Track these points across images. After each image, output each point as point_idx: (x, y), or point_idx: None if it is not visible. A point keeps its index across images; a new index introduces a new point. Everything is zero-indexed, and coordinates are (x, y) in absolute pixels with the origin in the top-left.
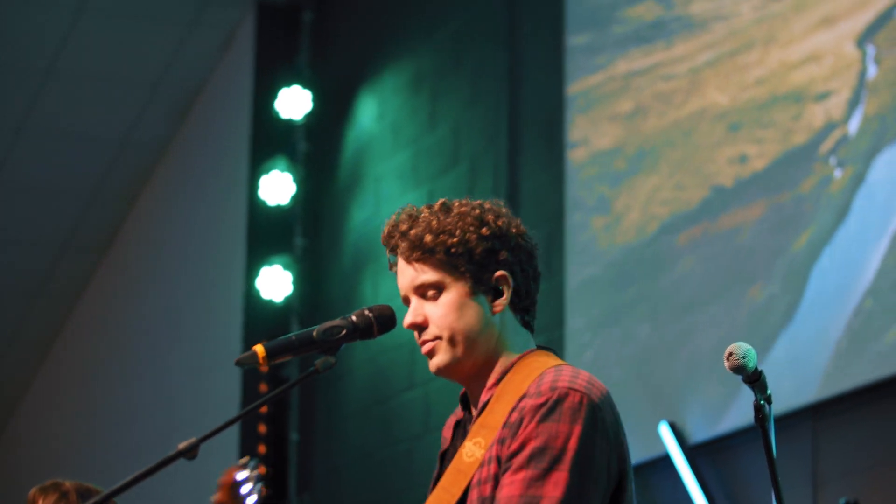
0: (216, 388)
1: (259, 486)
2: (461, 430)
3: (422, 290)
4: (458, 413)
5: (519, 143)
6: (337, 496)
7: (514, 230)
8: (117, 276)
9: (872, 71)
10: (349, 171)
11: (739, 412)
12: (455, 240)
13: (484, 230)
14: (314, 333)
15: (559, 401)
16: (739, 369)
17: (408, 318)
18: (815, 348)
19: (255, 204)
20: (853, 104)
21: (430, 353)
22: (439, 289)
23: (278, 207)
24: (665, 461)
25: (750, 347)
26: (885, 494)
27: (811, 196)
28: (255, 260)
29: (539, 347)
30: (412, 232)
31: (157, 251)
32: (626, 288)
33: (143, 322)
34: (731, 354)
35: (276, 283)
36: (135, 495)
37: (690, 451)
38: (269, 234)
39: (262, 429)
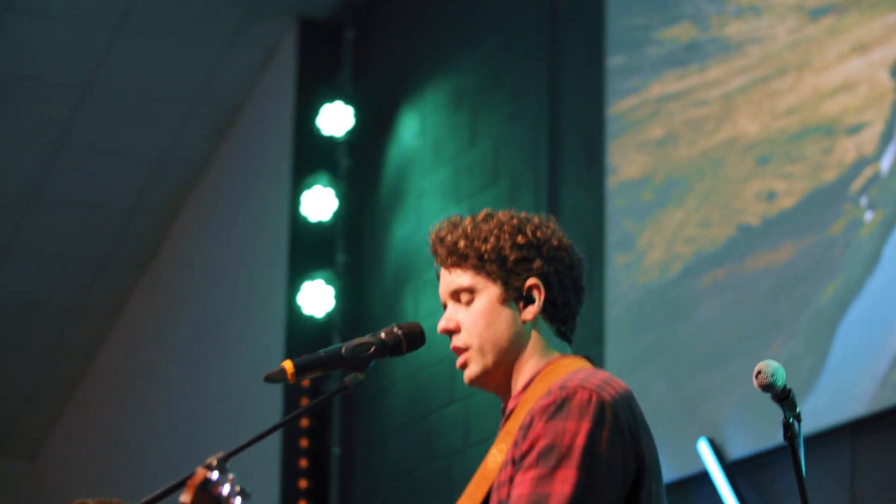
0: (257, 403)
1: (238, 486)
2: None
3: (456, 296)
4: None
5: (559, 161)
6: None
7: (554, 242)
8: (157, 291)
9: None
10: (391, 188)
11: (779, 429)
12: (488, 246)
13: (519, 238)
14: (343, 350)
15: (566, 399)
16: (768, 387)
17: (441, 324)
18: (853, 374)
19: (297, 220)
20: (886, 138)
21: (464, 365)
22: (472, 294)
23: (320, 223)
24: (704, 478)
25: (779, 365)
26: None
27: (840, 238)
28: (296, 275)
29: (568, 353)
30: (449, 238)
31: (198, 267)
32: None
33: (184, 337)
34: (759, 373)
35: (317, 298)
36: None
37: (729, 468)
38: (310, 249)
39: (304, 443)
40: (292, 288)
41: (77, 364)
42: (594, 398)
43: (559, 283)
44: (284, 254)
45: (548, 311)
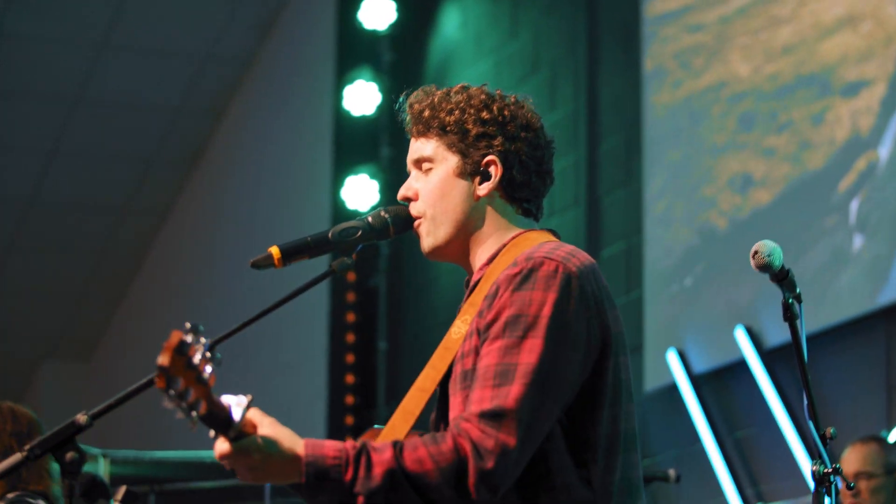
0: (303, 299)
1: (214, 356)
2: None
3: (419, 164)
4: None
5: (598, 50)
6: None
7: (520, 121)
8: (205, 188)
9: None
10: (433, 80)
11: (818, 315)
12: (452, 118)
13: (484, 113)
14: (329, 234)
15: (533, 269)
16: (765, 267)
17: (401, 191)
18: (888, 250)
19: (340, 114)
20: (888, 108)
21: (418, 236)
22: (431, 164)
23: (363, 117)
24: (742, 366)
25: (776, 245)
26: None
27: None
28: (340, 170)
29: (534, 228)
30: (416, 107)
31: (244, 164)
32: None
33: (231, 234)
34: (756, 253)
35: (362, 192)
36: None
37: (766, 356)
38: (354, 144)
39: (351, 338)
40: (336, 182)
41: (128, 264)
42: (560, 269)
43: (520, 162)
44: (328, 148)
45: (506, 189)
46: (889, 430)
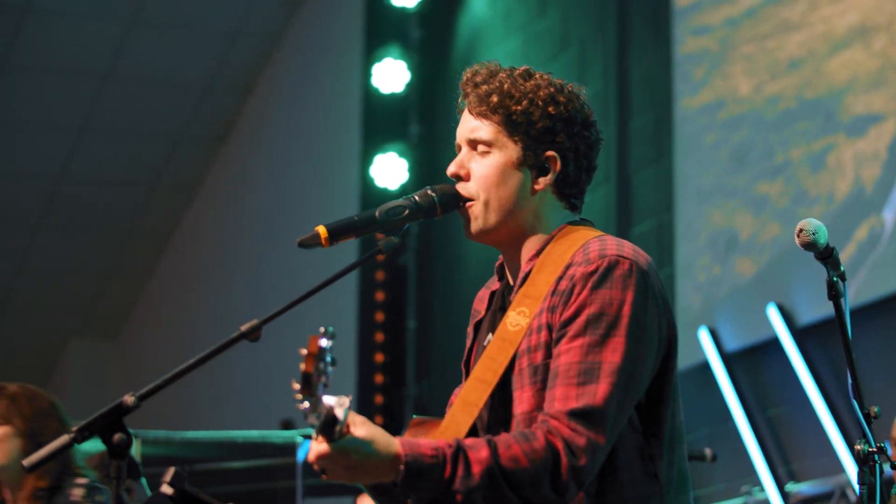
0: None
1: (333, 357)
2: (497, 301)
3: (473, 144)
4: (491, 285)
5: (628, 28)
6: (453, 383)
7: (581, 119)
8: (233, 167)
9: None
10: (462, 58)
11: (855, 292)
12: (520, 108)
13: (551, 108)
14: (377, 213)
15: (610, 268)
16: (810, 246)
17: (452, 167)
18: None
19: (369, 92)
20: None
21: (467, 217)
22: (489, 148)
23: (392, 95)
24: (774, 344)
25: (821, 224)
26: None
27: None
28: (369, 148)
29: (577, 221)
30: (483, 87)
31: (272, 141)
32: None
33: (259, 212)
34: (801, 231)
35: (391, 170)
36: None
37: (799, 334)
38: (383, 121)
39: (380, 317)
40: (365, 160)
41: (156, 241)
42: (635, 268)
43: (576, 160)
44: (357, 126)
45: (559, 185)
46: None
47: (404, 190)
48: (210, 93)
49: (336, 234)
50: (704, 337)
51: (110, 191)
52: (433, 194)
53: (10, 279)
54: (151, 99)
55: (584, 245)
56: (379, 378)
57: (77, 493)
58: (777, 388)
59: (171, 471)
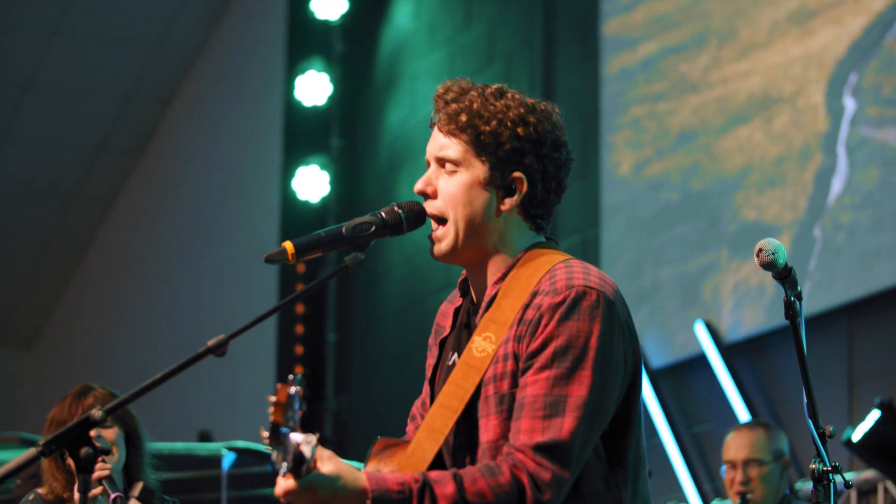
0: (253, 288)
1: (303, 402)
2: (463, 319)
3: (442, 162)
4: (454, 301)
5: (554, 43)
6: (373, 396)
7: (551, 140)
8: (153, 177)
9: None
10: (385, 71)
11: (774, 311)
12: (488, 128)
13: (520, 129)
14: (343, 230)
15: (577, 299)
16: (770, 266)
17: (419, 185)
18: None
19: (291, 105)
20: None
21: (433, 240)
22: (457, 167)
23: (315, 108)
24: (700, 360)
25: (780, 244)
26: None
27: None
28: (291, 160)
29: (543, 243)
30: (453, 105)
31: (193, 152)
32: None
33: (179, 223)
34: (760, 251)
35: (312, 183)
36: (177, 399)
37: (726, 350)
38: (305, 134)
39: (300, 329)
40: (287, 173)
41: (73, 252)
42: (602, 299)
43: (543, 181)
44: (279, 139)
45: (524, 206)
46: (851, 424)
47: (325, 203)
48: (131, 103)
49: (302, 250)
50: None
51: (29, 200)
52: (399, 211)
53: None
54: (71, 109)
55: (550, 271)
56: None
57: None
58: (703, 405)
59: (139, 485)
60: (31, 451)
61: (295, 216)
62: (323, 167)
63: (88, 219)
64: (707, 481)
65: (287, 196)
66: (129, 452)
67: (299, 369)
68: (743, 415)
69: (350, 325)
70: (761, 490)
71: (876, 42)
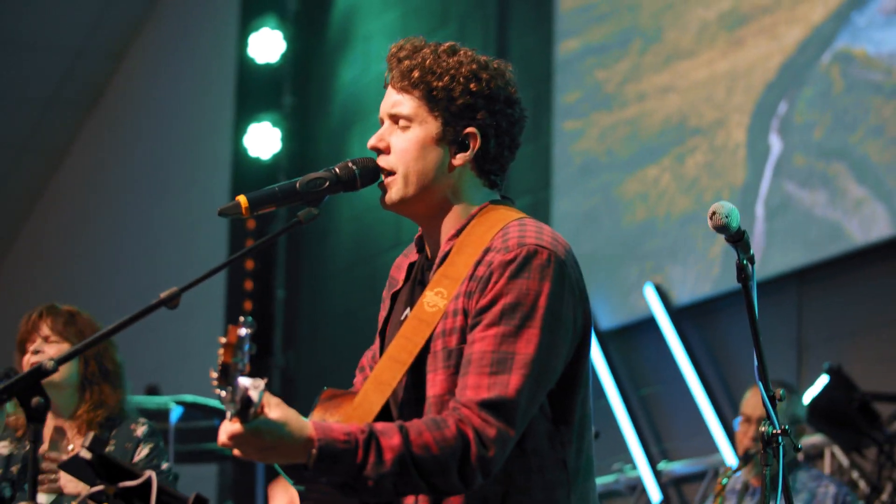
0: (202, 244)
1: (252, 345)
2: (417, 274)
3: (395, 119)
4: (409, 255)
5: (508, 5)
6: (321, 353)
7: (503, 96)
8: (104, 131)
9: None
10: (339, 30)
11: (724, 276)
12: (441, 84)
13: (472, 85)
14: (297, 185)
15: (528, 257)
16: (722, 228)
17: (372, 140)
18: (800, 215)
19: (244, 61)
20: None
21: (384, 188)
22: (410, 122)
23: (267, 65)
24: (650, 323)
25: (733, 207)
26: (866, 360)
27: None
28: (243, 117)
29: (498, 200)
30: (406, 63)
31: (145, 107)
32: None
33: (130, 177)
34: (714, 213)
35: (264, 140)
36: (125, 354)
37: (675, 314)
38: (257, 91)
39: (249, 285)
40: (239, 130)
41: (25, 204)
42: (553, 258)
43: (497, 137)
44: (231, 95)
45: (478, 161)
46: (799, 387)
47: (276, 160)
48: (82, 58)
49: (256, 204)
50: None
51: None
52: (353, 167)
53: None
54: (23, 61)
55: (503, 228)
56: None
57: (140, 430)
58: (651, 368)
59: (90, 435)
60: None
61: (246, 172)
62: (275, 124)
63: (40, 171)
64: (654, 444)
65: (238, 152)
66: (85, 368)
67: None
68: (691, 378)
69: (299, 281)
70: None
71: (811, 62)
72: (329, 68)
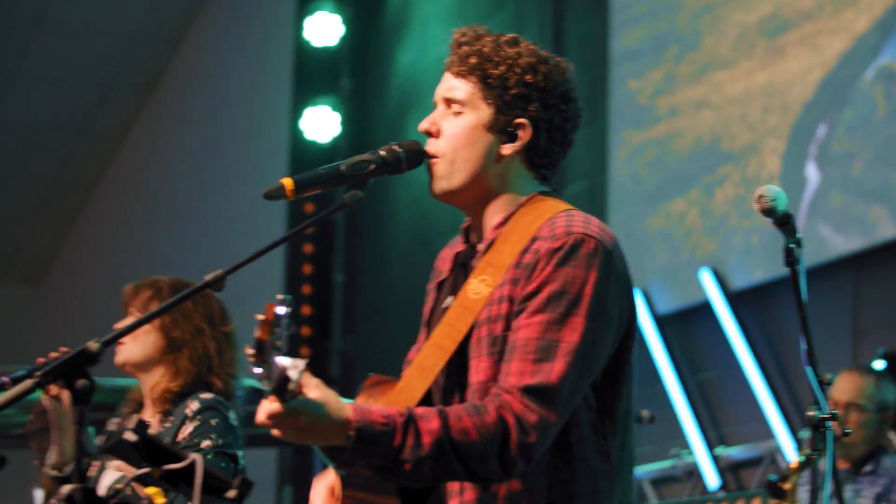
0: (261, 228)
1: (290, 323)
2: (460, 265)
3: (448, 103)
4: (455, 245)
5: None
6: (379, 337)
7: (559, 92)
8: (162, 116)
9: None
10: (396, 13)
11: (781, 259)
12: (497, 71)
13: (528, 76)
14: (342, 167)
15: (575, 246)
16: (769, 212)
17: (424, 123)
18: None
19: (300, 45)
20: None
21: (432, 175)
22: (462, 108)
23: (325, 49)
24: (706, 308)
25: (780, 190)
26: None
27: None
28: (300, 101)
29: (547, 192)
30: (465, 48)
31: (202, 92)
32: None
33: (188, 162)
34: (761, 196)
35: (321, 123)
36: None
37: (732, 298)
38: (315, 75)
39: (307, 269)
40: (296, 113)
41: (82, 188)
42: (600, 247)
43: (548, 131)
44: (288, 79)
45: (527, 154)
46: None
47: (335, 143)
48: (141, 41)
49: (301, 186)
50: (637, 300)
51: (38, 136)
52: (399, 150)
53: None
54: (82, 46)
55: (551, 218)
56: (305, 331)
57: (192, 406)
58: (709, 353)
59: (135, 419)
60: (27, 383)
61: (304, 156)
62: (334, 108)
63: (97, 155)
64: (711, 428)
65: (296, 136)
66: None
67: (307, 309)
68: (748, 363)
69: (358, 265)
70: (856, 435)
71: (853, 78)
72: (386, 52)
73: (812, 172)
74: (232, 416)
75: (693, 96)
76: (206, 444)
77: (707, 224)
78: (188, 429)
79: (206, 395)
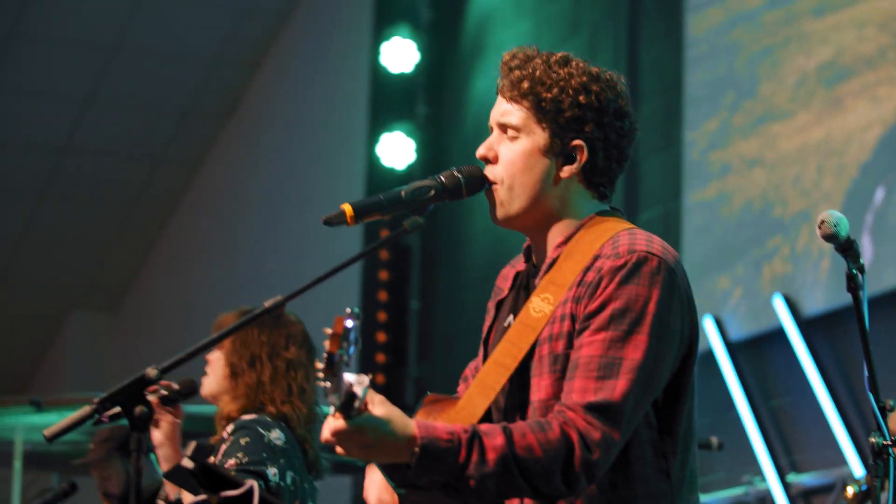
0: (335, 256)
1: (358, 338)
2: (522, 282)
3: (503, 128)
4: (516, 265)
5: (639, 13)
6: (454, 364)
7: (613, 109)
8: (239, 142)
9: None
10: (472, 39)
11: (872, 281)
12: (550, 95)
13: (581, 97)
14: (402, 193)
15: (638, 264)
16: (832, 238)
17: (481, 149)
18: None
19: (377, 71)
20: None
21: (493, 202)
22: (518, 133)
23: (401, 75)
24: (779, 334)
25: (842, 216)
26: None
27: None
28: (376, 127)
29: (607, 211)
30: (517, 72)
31: (279, 118)
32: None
33: (264, 188)
34: (823, 222)
35: (397, 150)
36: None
37: (804, 325)
38: (391, 101)
39: (383, 296)
40: (372, 139)
41: (159, 215)
42: (663, 266)
43: (605, 150)
44: (364, 105)
45: (586, 174)
46: None
47: (411, 170)
48: (218, 67)
49: (361, 212)
50: (709, 325)
51: (115, 163)
52: (459, 175)
53: (12, 248)
54: (159, 72)
55: (613, 237)
56: (381, 357)
57: (229, 428)
58: (781, 379)
59: (192, 445)
60: (85, 409)
61: (379, 182)
62: (409, 134)
63: (174, 182)
64: (783, 455)
65: (372, 162)
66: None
67: (382, 336)
68: (820, 389)
69: (434, 292)
70: None
71: None
72: (462, 78)
73: (865, 246)
74: (274, 435)
75: (747, 151)
76: (230, 462)
77: (781, 249)
78: (222, 450)
79: (248, 417)
